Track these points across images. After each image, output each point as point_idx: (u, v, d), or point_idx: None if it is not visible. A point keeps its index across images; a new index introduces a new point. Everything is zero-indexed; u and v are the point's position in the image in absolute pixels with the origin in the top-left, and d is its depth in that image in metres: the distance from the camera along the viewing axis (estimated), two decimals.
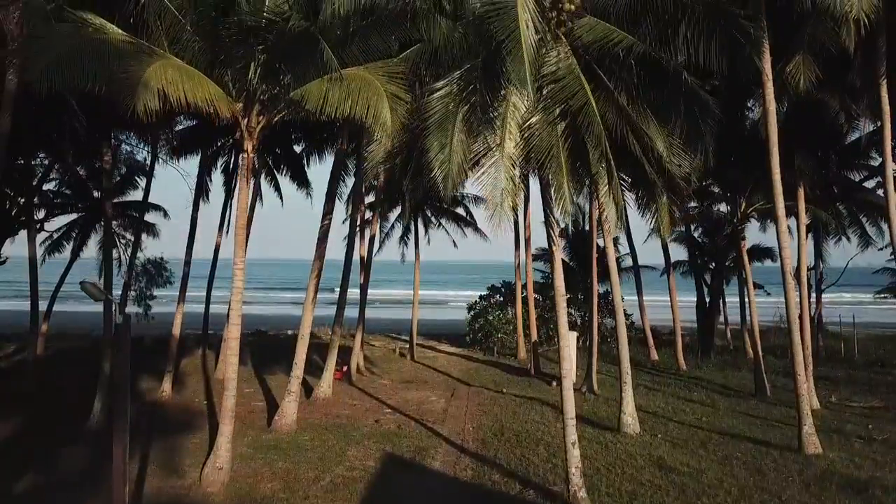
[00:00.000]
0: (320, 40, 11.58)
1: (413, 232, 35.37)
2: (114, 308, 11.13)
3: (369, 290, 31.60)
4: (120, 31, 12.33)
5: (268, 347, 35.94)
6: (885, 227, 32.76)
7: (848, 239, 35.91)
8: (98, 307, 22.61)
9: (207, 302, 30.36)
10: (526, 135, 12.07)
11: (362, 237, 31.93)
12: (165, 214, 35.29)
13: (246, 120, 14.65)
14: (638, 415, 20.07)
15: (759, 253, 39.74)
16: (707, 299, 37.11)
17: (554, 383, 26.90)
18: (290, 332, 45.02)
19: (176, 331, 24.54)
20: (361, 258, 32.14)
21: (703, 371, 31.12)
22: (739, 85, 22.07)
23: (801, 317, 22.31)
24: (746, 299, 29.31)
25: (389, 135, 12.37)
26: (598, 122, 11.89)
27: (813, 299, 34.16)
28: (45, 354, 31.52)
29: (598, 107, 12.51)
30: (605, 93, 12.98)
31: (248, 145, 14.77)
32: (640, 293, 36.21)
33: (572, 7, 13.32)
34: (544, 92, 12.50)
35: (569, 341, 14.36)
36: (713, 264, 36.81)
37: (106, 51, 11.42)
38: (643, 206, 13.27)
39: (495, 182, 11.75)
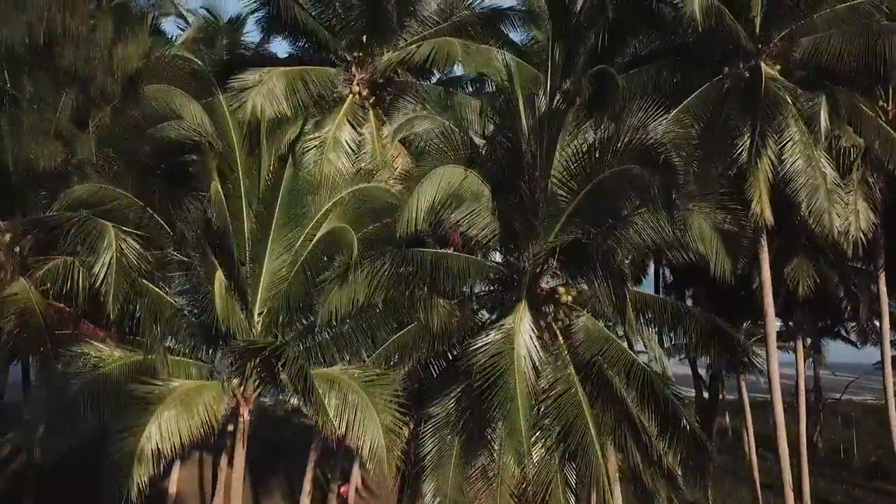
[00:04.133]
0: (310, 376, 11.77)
1: None
2: None
3: None
4: (119, 354, 12.40)
5: (269, 441, 35.59)
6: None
7: (847, 332, 36.07)
8: None
9: None
10: (522, 465, 12.03)
11: None
12: None
13: (242, 388, 14.62)
14: None
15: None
16: (705, 395, 37.02)
17: None
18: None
19: (173, 488, 24.48)
20: None
21: (701, 496, 31.12)
22: None
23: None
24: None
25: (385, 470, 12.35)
26: (599, 457, 11.85)
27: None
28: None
29: (595, 413, 12.51)
30: (605, 390, 12.88)
31: (245, 411, 14.76)
32: None
33: (569, 299, 13.26)
34: (542, 409, 12.46)
35: None
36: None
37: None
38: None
39: None
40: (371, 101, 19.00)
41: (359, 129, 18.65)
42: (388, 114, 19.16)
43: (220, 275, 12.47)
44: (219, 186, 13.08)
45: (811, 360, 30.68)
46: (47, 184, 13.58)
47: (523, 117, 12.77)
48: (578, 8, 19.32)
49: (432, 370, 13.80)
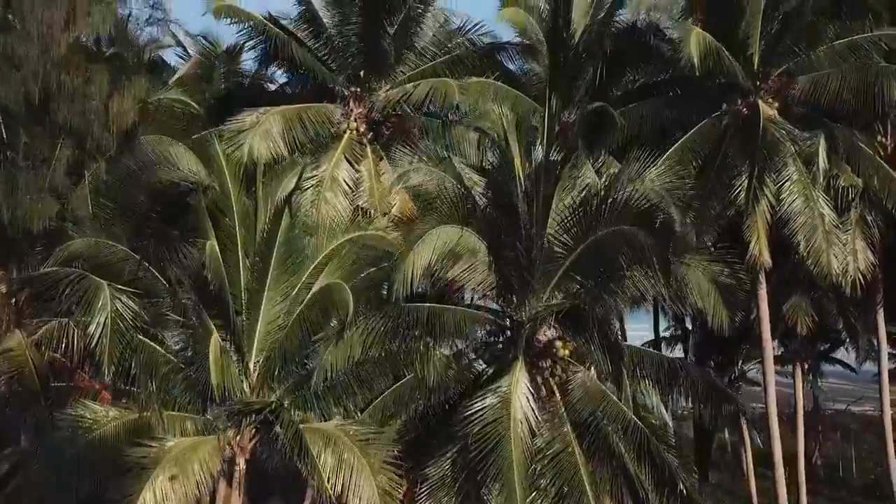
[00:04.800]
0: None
1: None
2: None
3: None
4: (114, 413, 12.41)
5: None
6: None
7: (847, 350, 36.08)
8: None
9: None
10: None
11: None
12: None
13: (238, 439, 14.62)
14: None
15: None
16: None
17: None
18: None
19: None
20: None
21: None
22: None
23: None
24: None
25: None
26: None
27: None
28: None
29: (591, 472, 12.49)
30: (603, 448, 12.82)
31: (241, 460, 14.76)
32: None
33: (566, 353, 13.21)
34: (538, 468, 12.42)
35: None
36: None
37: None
38: None
39: None
40: (369, 136, 18.90)
41: (356, 165, 18.55)
42: (385, 149, 19.09)
43: (215, 338, 12.44)
44: (214, 244, 13.04)
45: (809, 383, 30.67)
46: (42, 239, 13.55)
47: (518, 173, 12.73)
48: (576, 42, 19.27)
49: (429, 422, 13.75)
